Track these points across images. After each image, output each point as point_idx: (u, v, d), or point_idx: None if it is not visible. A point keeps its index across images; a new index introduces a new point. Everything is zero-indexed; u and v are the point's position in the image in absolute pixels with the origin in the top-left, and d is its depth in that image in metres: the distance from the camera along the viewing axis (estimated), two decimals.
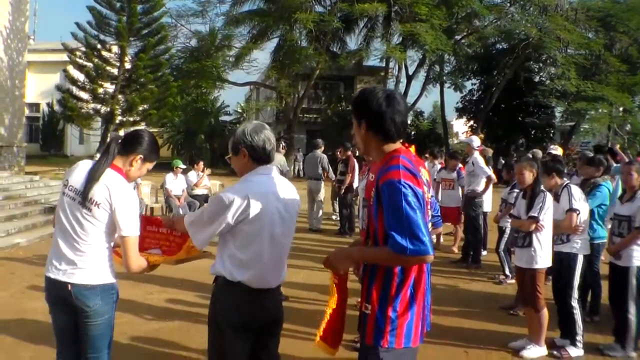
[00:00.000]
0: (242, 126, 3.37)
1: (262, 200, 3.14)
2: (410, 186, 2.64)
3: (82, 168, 3.39)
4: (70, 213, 3.33)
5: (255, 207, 3.10)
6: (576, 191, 5.91)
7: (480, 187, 9.88)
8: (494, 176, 9.93)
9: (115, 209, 3.27)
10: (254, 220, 3.12)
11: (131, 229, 3.31)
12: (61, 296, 3.35)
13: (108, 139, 3.33)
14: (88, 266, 3.31)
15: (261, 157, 3.27)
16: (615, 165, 8.78)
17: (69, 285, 3.29)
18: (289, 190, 3.34)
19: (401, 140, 2.91)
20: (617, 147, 10.38)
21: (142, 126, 27.90)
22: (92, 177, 3.28)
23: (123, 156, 3.44)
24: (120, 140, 3.49)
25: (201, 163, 14.31)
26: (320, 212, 13.84)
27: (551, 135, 40.73)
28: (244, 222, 3.12)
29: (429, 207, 2.87)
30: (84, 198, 3.28)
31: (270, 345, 3.44)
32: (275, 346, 3.47)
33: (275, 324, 3.39)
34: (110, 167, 3.36)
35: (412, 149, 3.03)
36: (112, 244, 3.42)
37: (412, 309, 2.78)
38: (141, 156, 3.46)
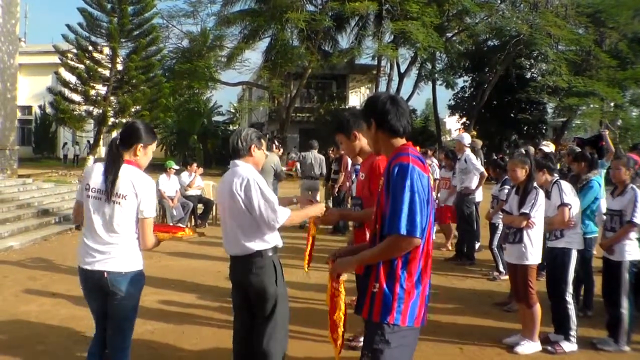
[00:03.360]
0: None
1: (219, 187, 4.29)
2: (417, 171, 2.92)
3: (98, 170, 3.83)
4: (98, 211, 3.78)
5: (217, 192, 4.29)
6: (566, 186, 5.94)
7: (474, 184, 9.91)
8: (485, 172, 9.96)
9: (141, 197, 3.77)
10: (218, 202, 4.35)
11: (150, 211, 3.84)
12: (97, 284, 3.80)
13: (109, 142, 3.93)
14: (120, 255, 3.77)
15: (232, 154, 4.27)
16: (599, 160, 8.81)
17: (105, 273, 3.74)
18: (231, 176, 4.13)
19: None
20: (607, 133, 10.40)
21: None
22: (112, 176, 3.73)
23: (126, 150, 3.87)
24: (119, 139, 3.92)
25: (194, 165, 14.28)
26: None
27: (543, 131, 40.92)
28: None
29: (432, 193, 3.13)
30: (109, 194, 3.73)
31: (255, 313, 4.20)
32: (259, 318, 4.17)
33: (246, 289, 4.15)
34: (124, 162, 3.83)
35: (417, 148, 3.28)
36: (137, 231, 3.85)
37: (418, 289, 3.00)
38: (141, 144, 3.91)
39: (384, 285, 2.95)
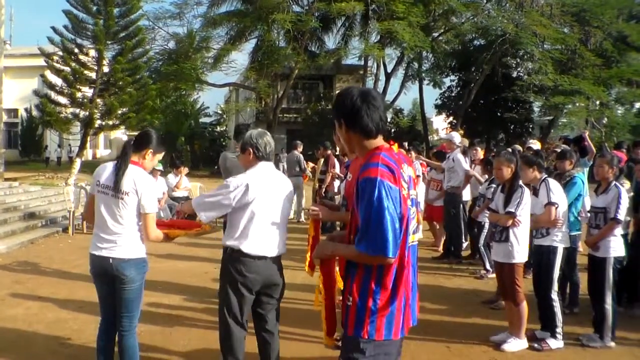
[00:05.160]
0: (249, 131, 4.40)
1: (259, 187, 4.12)
2: (385, 184, 2.69)
3: (109, 169, 4.31)
4: (106, 205, 4.26)
5: (252, 192, 4.09)
6: (554, 185, 5.97)
7: (461, 184, 9.94)
8: (471, 172, 9.99)
9: (141, 194, 4.21)
10: (251, 202, 4.10)
11: (151, 207, 4.27)
12: (103, 268, 4.27)
13: (123, 143, 4.48)
14: (124, 244, 4.24)
15: (262, 156, 4.29)
16: (582, 159, 8.90)
17: (110, 259, 4.22)
18: (282, 180, 4.38)
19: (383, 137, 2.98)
20: (586, 133, 10.52)
21: (121, 129, 27.69)
22: (119, 174, 4.19)
23: (137, 153, 4.38)
24: (132, 142, 4.41)
25: (181, 168, 14.29)
26: (303, 206, 14.96)
27: (530, 129, 41.06)
28: (244, 203, 4.10)
29: (408, 203, 2.87)
30: (116, 191, 4.19)
31: (268, 304, 4.37)
32: (272, 306, 4.41)
33: (271, 287, 4.31)
34: (130, 163, 4.27)
35: (395, 147, 3.03)
36: (140, 224, 4.29)
37: (393, 303, 2.83)
38: (151, 150, 4.43)
39: (357, 300, 2.84)
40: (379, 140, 2.93)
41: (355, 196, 2.84)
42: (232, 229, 4.22)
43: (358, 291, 2.84)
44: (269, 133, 4.42)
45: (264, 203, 4.15)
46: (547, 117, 39.44)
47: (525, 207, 5.72)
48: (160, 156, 4.58)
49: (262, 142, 4.26)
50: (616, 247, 5.90)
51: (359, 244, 2.73)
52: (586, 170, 8.82)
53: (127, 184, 4.19)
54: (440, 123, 53.62)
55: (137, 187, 4.20)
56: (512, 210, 5.67)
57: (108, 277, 4.29)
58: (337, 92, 39.40)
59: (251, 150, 4.26)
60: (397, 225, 2.72)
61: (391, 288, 2.83)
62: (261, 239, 4.17)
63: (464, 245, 10.32)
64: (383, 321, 2.82)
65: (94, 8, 23.25)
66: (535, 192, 6.03)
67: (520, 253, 5.72)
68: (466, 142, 11.87)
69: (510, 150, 6.68)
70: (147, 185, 4.27)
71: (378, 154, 2.82)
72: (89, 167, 29.38)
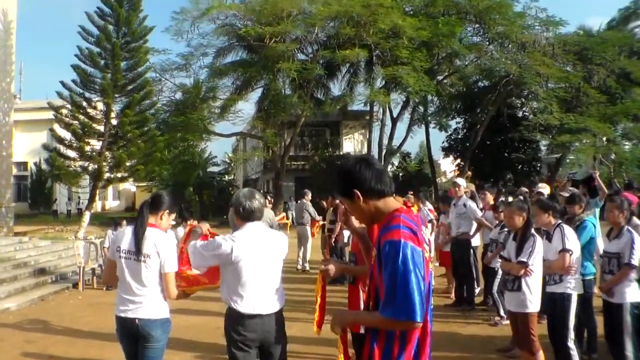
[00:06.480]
0: (238, 192, 4.54)
1: (244, 249, 4.14)
2: (410, 246, 2.65)
3: (127, 234, 4.49)
4: (130, 269, 4.43)
5: (237, 254, 4.11)
6: (569, 231, 5.92)
7: (472, 230, 9.88)
8: (483, 220, 9.89)
9: (163, 255, 4.40)
10: (238, 262, 4.13)
11: (171, 267, 4.45)
12: (129, 329, 4.42)
13: (140, 207, 4.70)
14: (149, 304, 4.41)
15: (247, 217, 4.31)
16: (591, 200, 8.84)
17: (136, 320, 4.38)
18: (272, 237, 4.41)
19: (397, 198, 2.98)
20: (597, 174, 10.48)
21: (130, 182, 27.76)
22: (139, 238, 4.39)
23: (153, 214, 4.57)
24: (148, 204, 4.58)
25: (189, 221, 14.33)
26: (308, 255, 14.97)
27: (538, 168, 41.03)
28: (231, 263, 4.14)
29: (430, 267, 2.86)
30: (138, 254, 4.39)
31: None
32: None
33: (270, 345, 4.25)
34: (147, 225, 4.46)
35: (415, 208, 3.02)
36: (161, 284, 4.45)
37: None
38: (167, 211, 4.64)
39: None
40: (395, 202, 2.92)
41: (377, 260, 2.77)
42: (225, 286, 4.29)
43: (380, 357, 2.76)
44: (257, 192, 4.47)
45: (252, 264, 4.17)
46: (554, 155, 39.44)
47: (537, 256, 5.67)
48: (174, 215, 4.77)
49: (248, 204, 4.29)
50: (632, 292, 5.81)
51: (385, 310, 2.65)
52: (597, 210, 8.75)
53: (148, 246, 4.38)
54: (447, 165, 53.70)
55: (159, 249, 4.39)
56: (524, 259, 5.62)
57: (134, 337, 4.43)
58: (344, 138, 39.75)
59: (238, 213, 4.33)
60: (423, 288, 2.66)
61: (413, 355, 2.75)
62: (252, 298, 4.18)
63: (477, 291, 10.21)
64: None
65: (102, 62, 23.61)
66: (548, 237, 5.99)
67: (533, 302, 5.65)
68: (472, 186, 11.84)
69: (522, 198, 6.65)
70: (168, 246, 4.46)
71: (398, 216, 2.78)
72: (98, 219, 29.50)
